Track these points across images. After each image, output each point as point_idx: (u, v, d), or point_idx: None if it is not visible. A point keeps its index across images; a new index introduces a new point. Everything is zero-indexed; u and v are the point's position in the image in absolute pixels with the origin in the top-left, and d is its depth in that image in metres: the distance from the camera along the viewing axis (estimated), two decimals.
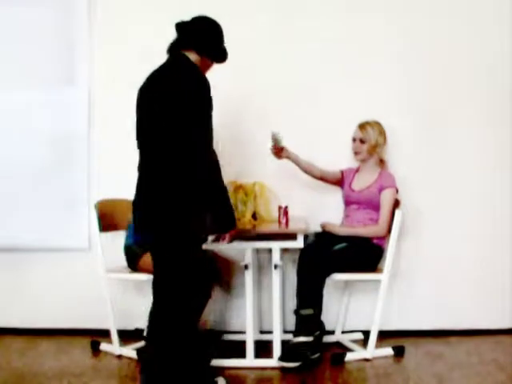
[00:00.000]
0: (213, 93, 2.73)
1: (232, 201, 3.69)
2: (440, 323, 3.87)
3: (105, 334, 3.62)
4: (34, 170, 3.99)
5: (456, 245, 3.88)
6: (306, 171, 3.71)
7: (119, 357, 3.53)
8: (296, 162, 3.66)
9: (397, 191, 3.62)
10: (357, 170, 3.78)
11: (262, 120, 3.92)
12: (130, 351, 3.52)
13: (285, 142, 3.60)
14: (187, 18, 3.92)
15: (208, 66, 3.01)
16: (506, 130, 3.88)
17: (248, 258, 3.34)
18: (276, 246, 3.37)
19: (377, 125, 3.65)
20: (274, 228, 3.51)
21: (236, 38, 3.89)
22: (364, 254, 3.51)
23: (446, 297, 3.87)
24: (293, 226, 3.43)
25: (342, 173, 3.80)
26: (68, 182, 3.99)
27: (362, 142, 3.63)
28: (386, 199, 3.57)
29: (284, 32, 3.90)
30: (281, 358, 3.30)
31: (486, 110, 3.88)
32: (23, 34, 3.98)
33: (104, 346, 3.64)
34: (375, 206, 3.60)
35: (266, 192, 3.74)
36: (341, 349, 3.60)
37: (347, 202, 3.72)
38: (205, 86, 2.70)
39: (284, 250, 3.69)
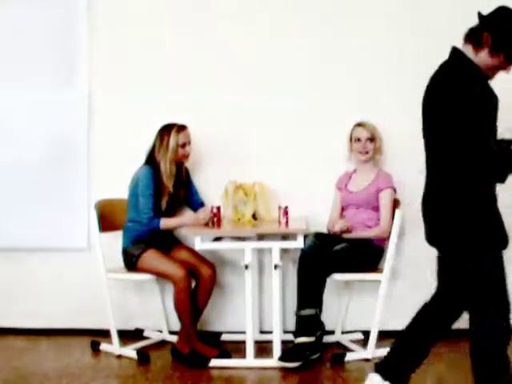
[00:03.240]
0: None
1: (232, 201, 3.72)
2: None
3: (105, 334, 3.62)
4: (34, 169, 3.98)
5: None
6: None
7: (119, 357, 3.53)
8: None
9: (395, 191, 3.62)
10: (354, 171, 3.77)
11: (262, 120, 3.91)
12: (129, 351, 3.52)
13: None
14: (187, 18, 3.94)
15: (499, 66, 2.47)
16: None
17: (248, 258, 3.34)
18: (276, 245, 3.37)
19: (371, 123, 3.68)
20: (274, 228, 3.52)
21: (237, 38, 3.92)
22: (364, 255, 3.51)
23: None
24: (293, 226, 3.43)
25: (338, 187, 3.78)
26: (68, 182, 3.98)
27: (371, 140, 3.63)
28: (385, 200, 3.57)
29: (280, 32, 3.90)
30: (281, 358, 3.30)
31: None
32: (23, 35, 3.98)
33: (104, 346, 3.64)
34: (373, 207, 3.60)
35: (266, 192, 3.74)
36: (341, 349, 3.60)
37: (345, 204, 3.72)
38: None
39: (284, 250, 3.69)
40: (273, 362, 3.33)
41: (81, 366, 3.41)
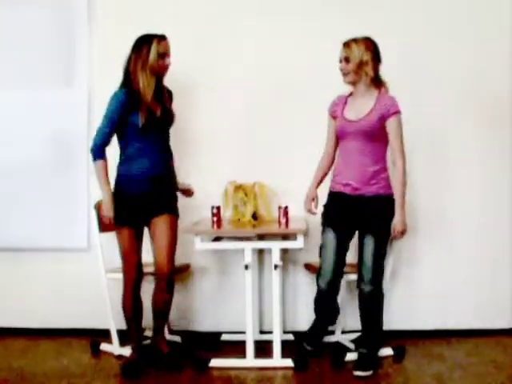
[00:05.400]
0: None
1: (232, 201, 3.72)
2: (440, 323, 3.88)
3: (105, 333, 3.62)
4: (34, 169, 3.98)
5: (456, 245, 3.88)
6: (326, 175, 3.47)
7: (119, 357, 3.52)
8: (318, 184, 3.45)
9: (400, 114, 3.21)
10: (350, 95, 3.32)
11: (263, 119, 3.92)
12: (129, 351, 3.52)
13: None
14: (187, 18, 3.94)
15: None
16: (507, 130, 3.88)
17: (248, 258, 3.34)
18: (276, 246, 3.37)
19: (363, 41, 3.20)
20: (274, 228, 3.52)
21: (239, 36, 3.92)
22: (388, 219, 3.25)
23: (446, 297, 3.88)
24: (293, 226, 3.43)
25: (332, 113, 3.35)
26: (68, 182, 3.98)
27: (347, 61, 3.19)
28: (394, 128, 3.18)
29: (282, 32, 3.90)
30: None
31: (486, 113, 3.88)
32: (23, 34, 3.98)
33: (104, 346, 3.64)
34: (375, 138, 3.19)
35: (266, 192, 3.74)
36: (341, 349, 3.59)
37: (341, 135, 3.28)
38: None
39: (284, 250, 3.70)
40: (273, 361, 3.33)
41: (81, 366, 3.41)
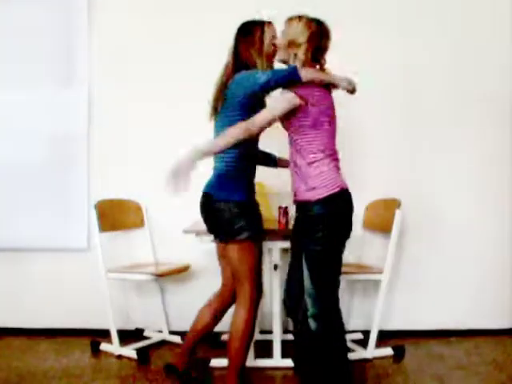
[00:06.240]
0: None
1: None
2: (440, 323, 3.88)
3: (105, 334, 3.62)
4: (34, 169, 3.98)
5: (456, 245, 3.89)
6: None
7: (119, 357, 3.53)
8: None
9: (303, 99, 2.62)
10: None
11: None
12: (129, 351, 3.52)
13: None
14: (187, 16, 3.94)
15: None
16: (507, 129, 3.88)
17: None
18: (276, 246, 3.37)
19: (307, 20, 2.66)
20: (274, 228, 3.52)
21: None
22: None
23: (446, 297, 3.88)
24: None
25: None
26: (68, 182, 3.98)
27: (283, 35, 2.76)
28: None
29: None
30: None
31: (486, 111, 3.88)
32: (23, 34, 3.98)
33: (104, 346, 3.64)
34: (291, 126, 2.78)
35: (266, 192, 3.74)
36: None
37: None
38: None
39: (284, 250, 3.69)
40: (273, 361, 3.33)
41: (81, 366, 3.41)
